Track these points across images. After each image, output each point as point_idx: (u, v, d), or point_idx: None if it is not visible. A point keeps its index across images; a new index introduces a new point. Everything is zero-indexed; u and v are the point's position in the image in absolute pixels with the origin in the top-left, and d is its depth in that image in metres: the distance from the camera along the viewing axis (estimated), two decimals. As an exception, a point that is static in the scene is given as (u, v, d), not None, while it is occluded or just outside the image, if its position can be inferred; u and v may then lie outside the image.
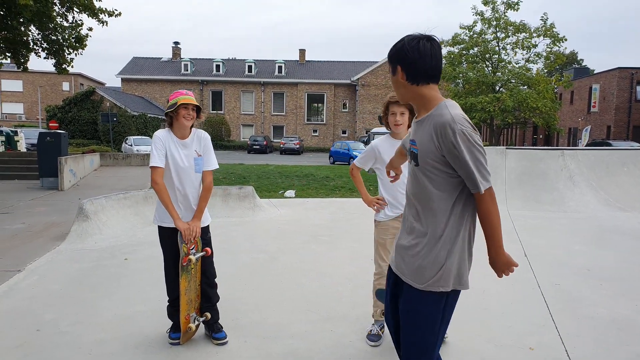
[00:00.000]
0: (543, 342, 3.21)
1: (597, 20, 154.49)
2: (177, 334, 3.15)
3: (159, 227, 3.15)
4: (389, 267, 2.12)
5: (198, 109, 3.09)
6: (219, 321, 3.27)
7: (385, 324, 3.29)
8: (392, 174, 2.66)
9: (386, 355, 3.03)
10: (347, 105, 46.42)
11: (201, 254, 3.13)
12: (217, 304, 3.30)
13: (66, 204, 9.15)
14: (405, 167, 3.04)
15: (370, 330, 3.27)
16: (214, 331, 3.22)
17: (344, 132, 46.31)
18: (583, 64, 57.55)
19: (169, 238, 3.10)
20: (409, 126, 3.18)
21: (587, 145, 27.06)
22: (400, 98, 1.99)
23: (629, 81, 31.60)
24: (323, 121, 46.82)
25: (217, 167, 3.27)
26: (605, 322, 3.56)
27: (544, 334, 3.35)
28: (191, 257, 3.03)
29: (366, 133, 37.77)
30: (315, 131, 46.68)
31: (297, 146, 37.96)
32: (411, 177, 1.97)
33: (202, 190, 3.19)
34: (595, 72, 39.92)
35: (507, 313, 3.75)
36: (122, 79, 46.13)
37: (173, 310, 3.18)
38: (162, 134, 3.07)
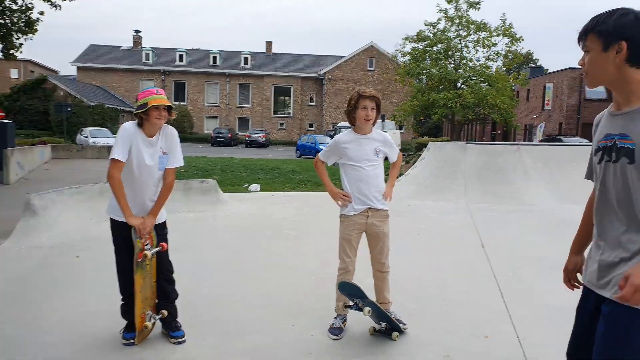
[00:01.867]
0: (498, 330, 3.31)
1: (551, 21, 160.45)
2: (131, 333, 3.04)
3: (112, 220, 3.03)
4: (586, 290, 1.81)
5: (170, 108, 2.97)
6: (177, 319, 3.18)
7: (346, 318, 3.31)
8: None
9: (348, 349, 3.04)
10: (314, 99, 46.37)
11: (156, 249, 3.03)
12: (176, 301, 3.21)
13: (12, 198, 8.71)
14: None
15: (332, 324, 3.26)
16: (172, 329, 3.12)
17: (311, 126, 46.25)
18: (538, 64, 59.52)
19: (122, 232, 2.99)
20: (374, 123, 3.20)
21: (541, 141, 28.14)
22: (597, 81, 1.65)
23: (579, 81, 33.02)
24: (290, 114, 46.63)
25: (182, 164, 3.17)
26: (555, 310, 3.69)
27: (499, 322, 3.45)
28: (146, 252, 2.93)
29: (333, 127, 37.85)
30: (282, 124, 46.42)
31: (263, 139, 37.66)
32: (619, 179, 1.59)
33: (162, 188, 3.08)
34: (549, 71, 41.45)
35: (465, 303, 3.84)
36: (78, 67, 44.35)
37: (127, 308, 3.06)
38: (130, 127, 2.95)
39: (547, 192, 9.18)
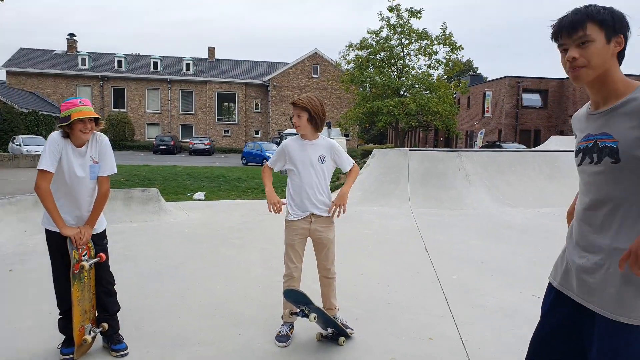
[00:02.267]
0: (441, 332, 3.42)
1: (489, 32, 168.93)
2: (69, 348, 2.90)
3: (47, 230, 2.90)
4: (557, 292, 1.73)
5: (97, 119, 2.85)
6: (119, 332, 3.07)
7: (293, 325, 3.31)
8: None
9: (294, 356, 3.04)
10: (260, 105, 46.13)
11: (94, 260, 2.92)
12: (118, 313, 3.10)
13: (-63, 211, 8.06)
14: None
15: (279, 332, 3.26)
16: (113, 342, 3.02)
17: (256, 133, 45.95)
18: (478, 72, 62.53)
19: (57, 243, 2.86)
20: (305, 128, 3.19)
21: (482, 147, 29.49)
22: (595, 74, 1.51)
23: (516, 89, 34.95)
24: (235, 121, 46.09)
25: (115, 171, 3.05)
26: (495, 310, 3.88)
27: (442, 324, 3.57)
28: (84, 263, 2.81)
29: (279, 134, 37.81)
30: (226, 131, 45.78)
31: (208, 146, 36.96)
32: (601, 179, 1.53)
33: (97, 197, 2.97)
34: (488, 79, 43.56)
35: (409, 306, 3.94)
36: (7, 71, 41.73)
37: (65, 322, 2.93)
38: (58, 137, 2.83)
39: (487, 196, 9.63)
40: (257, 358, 3.00)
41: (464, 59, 37.63)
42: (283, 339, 3.20)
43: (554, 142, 15.93)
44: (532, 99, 35.42)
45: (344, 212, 3.22)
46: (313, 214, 3.20)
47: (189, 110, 45.40)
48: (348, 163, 3.32)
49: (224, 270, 4.94)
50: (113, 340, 3.02)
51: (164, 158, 30.12)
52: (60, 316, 2.98)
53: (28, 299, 3.94)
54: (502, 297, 4.18)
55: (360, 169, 12.36)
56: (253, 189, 12.45)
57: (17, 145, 23.38)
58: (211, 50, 48.46)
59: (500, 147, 25.12)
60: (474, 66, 64.68)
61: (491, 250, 5.90)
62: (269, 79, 44.09)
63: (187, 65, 45.50)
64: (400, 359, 3.01)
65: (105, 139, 3.01)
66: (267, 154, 26.65)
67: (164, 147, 36.25)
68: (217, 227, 7.24)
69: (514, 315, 3.77)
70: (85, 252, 2.89)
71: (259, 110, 46.14)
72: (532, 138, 34.32)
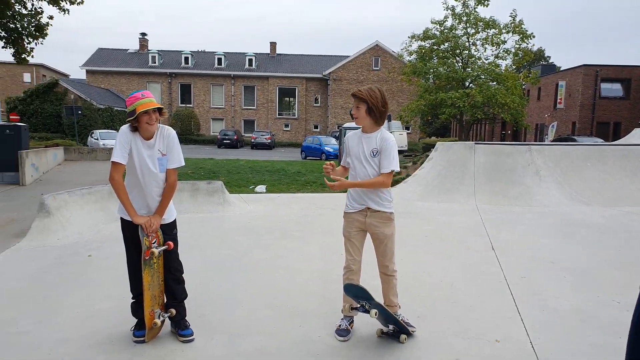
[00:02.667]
0: (509, 335, 3.26)
1: (565, 18, 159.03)
2: (141, 331, 3.06)
3: (122, 219, 3.07)
4: None
5: (160, 109, 2.97)
6: (185, 318, 3.20)
7: (353, 320, 3.29)
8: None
9: (354, 350, 3.02)
10: (319, 99, 46.34)
11: (163, 247, 3.05)
12: (185, 300, 3.23)
13: (27, 199, 8.80)
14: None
15: (339, 325, 3.25)
16: (180, 328, 3.15)
17: (315, 127, 46.24)
18: (550, 61, 59.07)
19: (130, 231, 3.03)
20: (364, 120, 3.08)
21: (553, 141, 27.87)
22: None
23: (594, 78, 32.61)
24: (295, 115, 46.64)
25: (183, 164, 3.16)
26: (569, 314, 3.65)
27: (510, 327, 3.40)
28: (153, 250, 2.96)
29: (338, 128, 37.85)
30: (286, 126, 46.44)
31: (269, 141, 37.66)
32: None
33: (165, 188, 3.10)
34: (561, 69, 41.07)
35: (474, 306, 3.79)
36: (87, 70, 44.70)
37: (137, 306, 3.10)
38: (128, 130, 2.97)
39: (559, 193, 9.10)
40: (317, 350, 3.01)
41: (535, 48, 35.60)
42: (343, 332, 3.19)
43: (638, 135, 14.75)
44: (611, 89, 32.87)
45: (335, 189, 3.07)
46: (369, 208, 3.14)
47: (251, 105, 46.48)
48: (386, 167, 3.04)
49: (285, 262, 5.01)
50: (180, 325, 3.15)
51: (228, 152, 31.05)
52: (133, 300, 3.15)
53: (104, 283, 4.20)
54: (577, 300, 3.92)
55: (422, 163, 12.10)
56: (312, 182, 12.54)
57: (94, 139, 25.00)
58: (273, 45, 49.23)
59: (574, 140, 23.59)
60: (545, 55, 61.19)
61: (564, 250, 5.56)
62: (329, 73, 44.12)
63: (250, 60, 46.54)
64: (464, 360, 2.90)
65: (172, 132, 3.12)
66: (325, 148, 26.73)
67: (227, 141, 37.34)
68: (278, 219, 7.36)
69: (590, 320, 3.52)
70: (155, 240, 3.02)
71: (318, 104, 46.38)
72: (610, 131, 31.93)
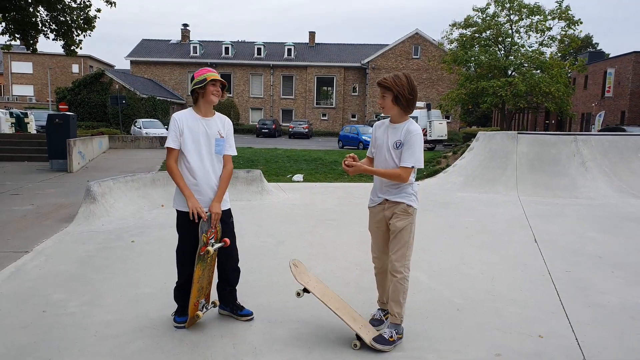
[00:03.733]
0: (553, 330, 3.15)
1: (615, 1, 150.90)
2: (182, 317, 3.13)
3: (179, 212, 3.11)
4: None
5: (223, 86, 3.09)
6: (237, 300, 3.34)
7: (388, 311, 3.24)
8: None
9: (392, 341, 2.99)
10: (357, 88, 46.00)
11: (219, 244, 3.09)
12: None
13: (74, 185, 9.18)
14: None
15: (374, 315, 3.23)
16: (239, 309, 3.31)
17: (353, 116, 45.99)
18: (598, 48, 56.37)
19: (187, 224, 3.03)
20: (389, 110, 2.93)
21: (601, 130, 26.62)
22: None
23: (646, 65, 30.90)
24: (332, 105, 46.52)
25: (236, 154, 3.27)
26: (617, 310, 3.49)
27: (554, 322, 3.29)
28: (209, 248, 2.99)
29: (376, 117, 37.49)
30: (324, 115, 46.41)
31: (306, 130, 37.80)
32: None
33: (223, 174, 3.16)
34: (610, 56, 39.10)
35: (516, 300, 3.69)
36: (131, 61, 46.06)
37: (180, 293, 3.15)
38: (180, 115, 3.07)
39: (607, 185, 8.71)
40: (352, 338, 2.99)
41: (582, 35, 33.95)
42: (376, 322, 3.16)
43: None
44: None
45: (350, 173, 2.89)
46: (387, 200, 2.97)
47: (290, 94, 46.66)
48: (407, 161, 2.81)
49: (322, 250, 5.02)
50: (237, 307, 3.30)
51: (266, 141, 31.35)
52: (177, 285, 3.19)
53: (146, 268, 4.34)
54: (626, 296, 3.74)
55: (463, 153, 11.83)
56: (350, 172, 12.49)
57: (137, 128, 25.75)
58: (311, 34, 49.13)
59: (624, 131, 22.44)
60: (593, 42, 58.37)
61: (611, 245, 5.32)
62: (368, 62, 43.68)
63: (289, 50, 46.66)
64: (506, 354, 2.82)
65: (230, 121, 3.26)
66: (363, 138, 26.53)
67: (265, 130, 37.74)
68: (315, 208, 7.37)
69: (639, 317, 3.36)
70: (212, 236, 3.06)
71: (356, 94, 46.04)
72: (663, 121, 30.26)
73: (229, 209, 3.26)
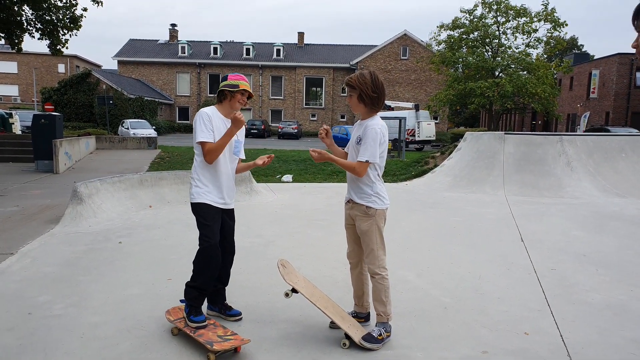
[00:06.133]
0: (538, 327, 3.20)
1: (599, 4, 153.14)
2: (199, 317, 3.02)
3: (208, 205, 3.09)
4: None
5: (249, 97, 3.17)
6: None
7: None
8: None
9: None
10: (346, 89, 45.94)
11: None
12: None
13: (61, 186, 9.08)
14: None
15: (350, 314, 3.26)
16: (228, 309, 3.32)
17: (342, 117, 46.06)
18: (583, 50, 57.09)
19: (218, 216, 3.13)
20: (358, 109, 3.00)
21: (586, 131, 26.99)
22: None
23: (629, 67, 31.36)
24: (322, 105, 46.53)
25: (245, 158, 3.39)
26: (601, 308, 3.55)
27: (539, 319, 3.34)
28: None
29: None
30: (313, 115, 46.40)
31: (295, 130, 37.76)
32: None
33: (238, 166, 3.36)
34: (595, 57, 39.64)
35: (502, 298, 3.73)
36: (118, 61, 45.57)
37: (202, 292, 3.11)
38: (209, 111, 3.09)
39: (592, 184, 8.83)
40: (342, 337, 3.01)
41: (568, 36, 34.45)
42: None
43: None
44: (648, 78, 31.57)
45: (316, 160, 2.91)
46: (351, 200, 3.01)
47: (279, 95, 46.57)
48: (362, 155, 2.83)
49: (312, 250, 5.03)
50: (225, 307, 3.33)
51: (255, 141, 31.25)
52: (197, 284, 3.07)
53: (134, 269, 4.31)
54: (610, 294, 3.81)
55: (450, 153, 11.92)
56: (338, 172, 12.52)
57: (125, 128, 25.52)
58: (300, 35, 49.10)
59: (608, 131, 22.78)
60: (578, 44, 59.14)
61: (595, 243, 5.41)
62: (356, 63, 43.74)
63: (278, 50, 46.56)
64: (492, 352, 2.86)
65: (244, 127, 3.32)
66: (353, 138, 26.52)
67: (255, 130, 37.57)
68: (305, 208, 7.38)
69: (623, 314, 3.42)
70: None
71: (345, 94, 45.98)
72: (646, 121, 30.74)
73: (232, 209, 3.35)
